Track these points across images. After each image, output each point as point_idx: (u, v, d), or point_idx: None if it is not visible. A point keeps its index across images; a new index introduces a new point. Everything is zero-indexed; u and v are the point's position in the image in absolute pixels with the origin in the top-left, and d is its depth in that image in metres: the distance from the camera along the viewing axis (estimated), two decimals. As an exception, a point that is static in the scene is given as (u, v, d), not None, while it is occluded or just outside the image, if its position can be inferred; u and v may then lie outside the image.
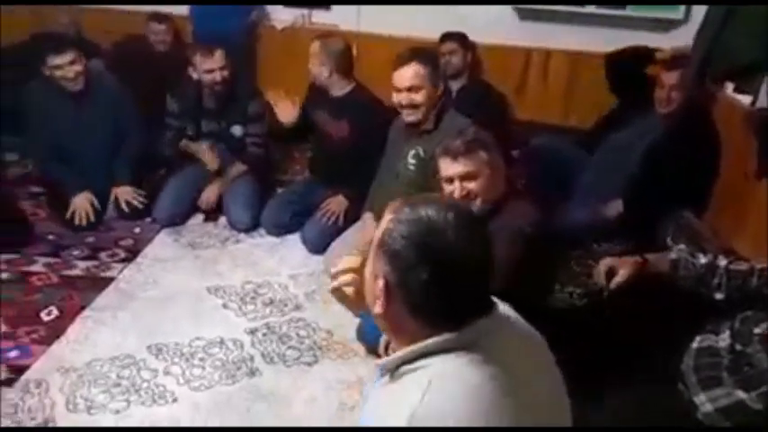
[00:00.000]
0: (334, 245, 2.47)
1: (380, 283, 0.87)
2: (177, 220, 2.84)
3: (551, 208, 2.43)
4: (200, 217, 2.93)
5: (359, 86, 2.69)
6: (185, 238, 2.77)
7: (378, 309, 0.89)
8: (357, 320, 2.10)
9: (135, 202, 2.83)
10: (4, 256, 2.53)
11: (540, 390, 0.92)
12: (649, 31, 3.15)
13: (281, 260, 2.63)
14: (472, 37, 3.21)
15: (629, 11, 3.19)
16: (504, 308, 0.96)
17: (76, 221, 2.70)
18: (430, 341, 0.86)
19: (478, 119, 2.21)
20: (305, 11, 3.71)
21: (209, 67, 2.74)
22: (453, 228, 0.85)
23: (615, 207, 2.51)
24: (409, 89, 2.13)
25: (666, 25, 3.18)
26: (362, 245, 2.33)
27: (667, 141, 2.46)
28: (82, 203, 2.72)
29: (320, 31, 3.24)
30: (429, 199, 0.92)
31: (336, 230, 2.59)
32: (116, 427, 1.76)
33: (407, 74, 2.12)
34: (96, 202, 2.77)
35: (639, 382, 1.55)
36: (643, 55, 2.69)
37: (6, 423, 1.72)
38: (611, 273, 1.52)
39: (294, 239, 2.76)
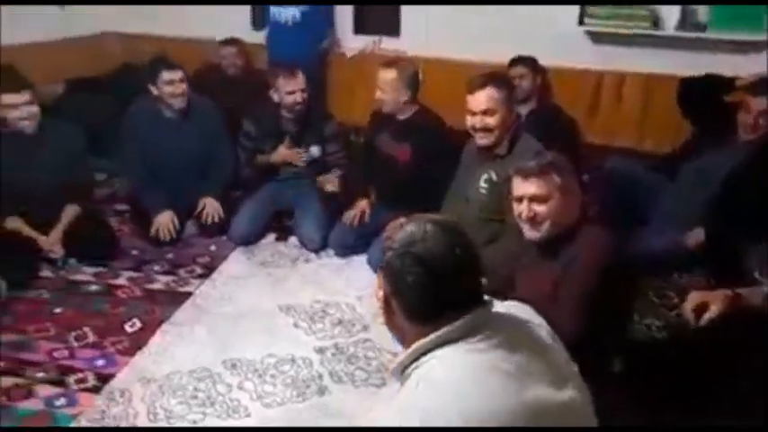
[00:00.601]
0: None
1: (380, 294, 1.03)
2: (251, 239, 2.95)
3: (626, 236, 2.36)
4: (271, 236, 3.03)
5: (423, 109, 2.73)
6: (257, 257, 2.87)
7: (383, 320, 1.05)
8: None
9: (217, 218, 2.95)
10: (93, 270, 2.71)
11: (543, 376, 0.99)
12: (729, 54, 3.04)
13: (347, 281, 2.67)
14: (543, 61, 3.18)
15: (711, 33, 3.08)
16: (508, 305, 1.14)
17: (161, 237, 2.86)
18: (426, 339, 0.98)
19: (548, 143, 2.19)
20: (375, 38, 3.81)
21: (291, 89, 2.86)
22: (432, 236, 1.00)
23: (696, 236, 2.40)
24: (484, 112, 2.14)
25: (747, 48, 3.05)
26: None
27: (752, 168, 2.33)
28: (165, 221, 2.88)
29: (387, 58, 3.34)
30: (415, 217, 1.08)
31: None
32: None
33: (482, 97, 2.14)
34: (177, 221, 2.92)
35: (724, 414, 1.48)
36: (720, 83, 2.58)
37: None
38: (700, 308, 1.45)
39: (360, 260, 2.80)
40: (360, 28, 3.88)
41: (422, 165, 2.65)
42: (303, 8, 3.48)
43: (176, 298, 2.51)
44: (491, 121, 2.13)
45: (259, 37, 3.81)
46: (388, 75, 2.56)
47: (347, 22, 3.91)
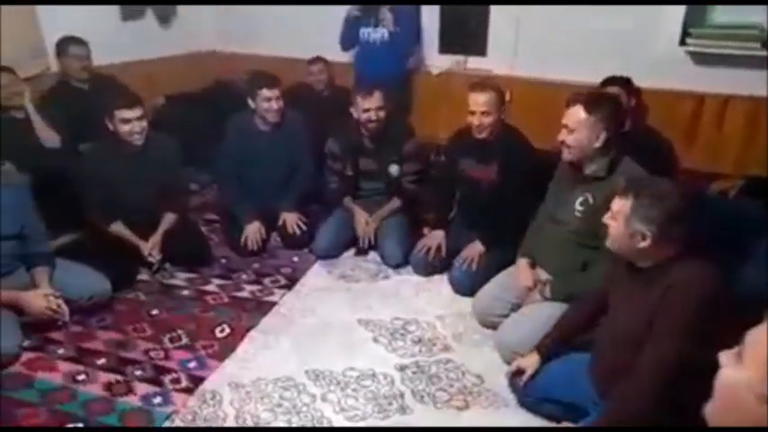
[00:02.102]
0: (484, 291, 2.44)
1: None
2: (332, 253, 3.01)
3: (727, 269, 2.21)
4: (351, 251, 3.08)
5: (509, 129, 2.69)
6: (338, 270, 2.92)
7: None
8: (507, 368, 2.06)
9: (298, 231, 3.04)
10: (186, 275, 2.85)
11: None
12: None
13: (428, 299, 2.66)
14: (639, 82, 3.07)
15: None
16: None
17: (249, 247, 2.97)
18: None
19: (641, 167, 2.10)
20: (461, 57, 3.82)
21: (367, 107, 2.91)
22: None
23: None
24: (566, 127, 2.08)
25: None
26: (515, 291, 2.30)
27: None
28: (253, 231, 2.99)
29: (476, 77, 3.33)
30: None
31: (484, 273, 2.57)
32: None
33: (569, 113, 2.08)
34: (264, 232, 3.03)
35: None
36: None
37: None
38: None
39: (440, 279, 2.79)
40: (445, 47, 3.90)
41: (508, 185, 2.62)
42: (392, 28, 3.54)
43: (262, 307, 2.59)
44: (569, 138, 2.07)
45: (347, 56, 3.91)
46: (480, 98, 2.53)
47: (433, 41, 3.94)
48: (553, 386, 1.83)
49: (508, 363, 2.09)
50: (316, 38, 3.94)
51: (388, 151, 3.04)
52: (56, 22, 3.36)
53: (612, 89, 3.03)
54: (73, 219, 2.88)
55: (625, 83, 3.06)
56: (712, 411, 0.78)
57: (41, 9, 3.35)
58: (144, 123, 2.74)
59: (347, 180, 3.13)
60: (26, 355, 2.22)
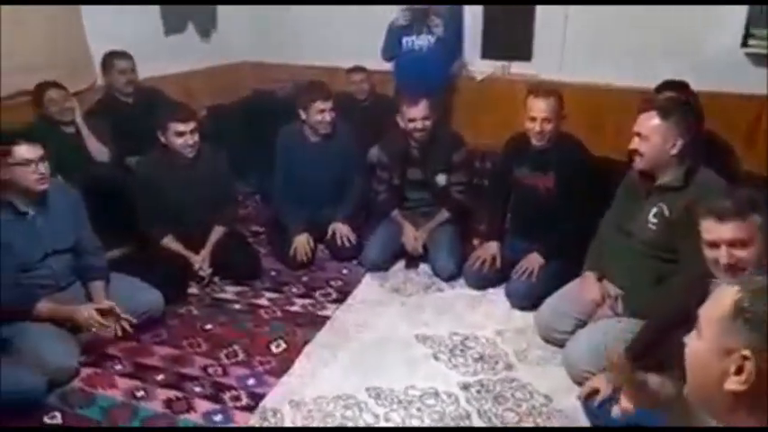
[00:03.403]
0: (547, 305, 2.35)
1: (740, 355, 0.82)
2: (382, 265, 2.96)
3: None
4: (401, 263, 3.02)
5: (565, 136, 2.61)
6: (389, 283, 2.86)
7: (736, 385, 0.82)
8: (577, 388, 1.98)
9: (347, 243, 3.00)
10: (235, 289, 2.82)
11: None
12: None
13: (485, 314, 2.58)
14: (697, 85, 2.96)
15: None
16: None
17: (298, 258, 2.94)
18: None
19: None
20: (505, 62, 3.76)
21: (413, 116, 2.86)
22: None
23: None
24: (639, 135, 2.00)
25: None
26: (581, 306, 2.21)
27: None
28: (303, 242, 2.96)
29: (521, 82, 3.27)
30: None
31: (543, 286, 2.49)
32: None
33: (640, 121, 1.99)
34: (312, 243, 2.99)
35: None
36: None
37: (250, 448, 1.86)
38: None
39: (497, 293, 2.71)
40: (488, 52, 3.84)
41: (566, 194, 2.54)
42: (437, 35, 3.49)
43: (315, 321, 2.54)
44: (642, 146, 1.98)
45: (386, 64, 3.87)
46: (542, 104, 2.45)
47: (476, 45, 3.88)
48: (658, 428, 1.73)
49: (578, 382, 2.01)
50: (353, 47, 3.91)
51: (436, 160, 2.98)
52: (102, 37, 3.39)
53: (668, 94, 2.94)
54: (123, 232, 2.88)
55: (681, 87, 2.95)
56: (689, 389, 0.92)
57: (89, 24, 3.39)
58: (196, 137, 2.73)
59: (394, 190, 3.09)
60: (84, 372, 2.20)
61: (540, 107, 2.44)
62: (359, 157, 3.21)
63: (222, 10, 4.37)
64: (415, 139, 2.93)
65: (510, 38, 3.82)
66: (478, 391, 2.09)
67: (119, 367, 2.25)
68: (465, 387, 2.11)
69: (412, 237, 2.96)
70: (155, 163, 2.82)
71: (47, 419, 1.96)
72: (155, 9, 3.86)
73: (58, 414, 1.99)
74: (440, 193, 3.01)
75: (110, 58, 3.35)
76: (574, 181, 2.52)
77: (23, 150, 2.09)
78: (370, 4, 3.85)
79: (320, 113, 2.97)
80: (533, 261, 2.57)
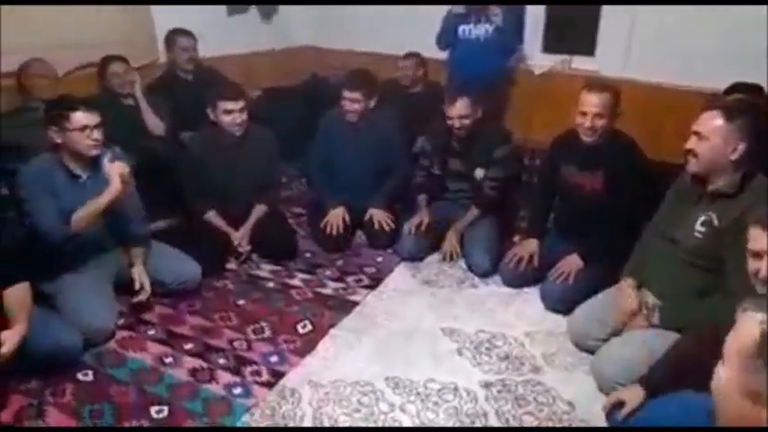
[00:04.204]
0: (581, 310, 2.25)
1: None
2: (418, 256, 2.93)
3: None
4: (436, 255, 2.97)
5: (617, 134, 2.47)
6: (422, 274, 2.83)
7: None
8: (603, 398, 1.88)
9: (386, 228, 3.00)
10: (271, 267, 2.87)
11: None
12: None
13: (516, 313, 2.50)
14: None
15: None
16: None
17: (327, 231, 2.97)
18: None
19: None
20: (566, 56, 3.61)
21: (450, 114, 2.81)
22: None
23: None
24: (698, 134, 1.85)
25: None
26: (617, 315, 2.10)
27: None
28: (336, 216, 3.00)
29: (581, 78, 3.12)
30: None
31: (580, 290, 2.38)
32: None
33: (701, 119, 1.85)
34: (348, 219, 3.02)
35: None
36: None
37: (264, 424, 1.88)
38: None
39: (531, 293, 2.62)
40: (550, 45, 3.70)
41: (614, 196, 2.41)
42: (496, 24, 3.39)
43: (344, 305, 2.55)
44: (699, 146, 1.84)
45: (443, 53, 3.80)
46: (595, 98, 2.32)
47: (537, 38, 3.75)
48: (660, 429, 1.64)
49: (605, 393, 1.91)
50: (411, 34, 3.87)
51: (478, 154, 2.90)
52: (167, 16, 3.51)
53: (738, 97, 2.73)
54: (171, 204, 2.99)
55: (754, 91, 2.73)
56: (719, 418, 0.89)
57: (155, 3, 3.51)
58: (245, 115, 2.79)
59: (434, 179, 3.05)
60: (120, 334, 2.31)
61: (592, 101, 2.32)
62: (402, 145, 3.17)
63: (285, -7, 4.43)
64: (455, 135, 2.87)
65: (573, 31, 3.66)
66: (499, 391, 2.03)
67: (152, 332, 2.34)
68: (486, 385, 2.06)
69: (448, 242, 2.92)
70: (204, 140, 2.90)
71: (80, 376, 2.06)
72: (219, -10, 3.96)
73: (90, 372, 2.09)
74: (477, 187, 2.94)
75: (172, 36, 3.47)
76: (623, 182, 2.39)
77: (80, 116, 2.19)
78: (428, 4, 3.79)
79: (348, 102, 2.97)
80: (572, 264, 2.47)
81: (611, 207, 2.42)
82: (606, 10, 3.46)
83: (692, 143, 1.86)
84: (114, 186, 2.23)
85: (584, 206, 2.53)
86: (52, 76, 2.86)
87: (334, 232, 2.98)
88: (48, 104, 2.32)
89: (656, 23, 3.27)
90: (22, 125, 2.61)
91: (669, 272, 1.97)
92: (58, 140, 2.21)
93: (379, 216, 3.04)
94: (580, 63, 3.63)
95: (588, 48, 3.57)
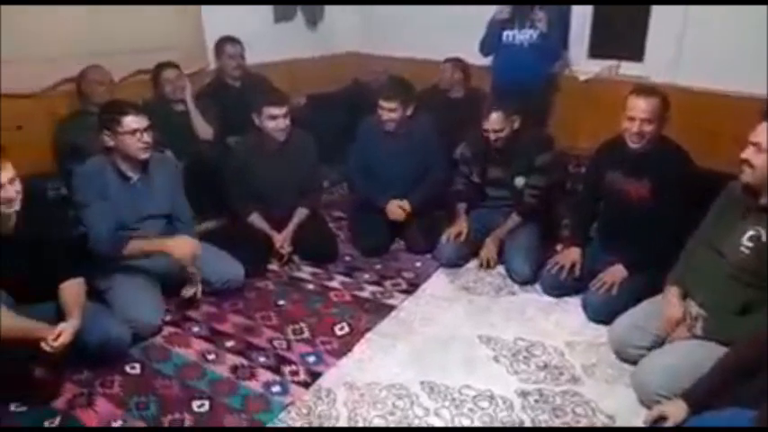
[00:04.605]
0: (622, 319, 2.20)
1: None
2: (456, 262, 2.92)
3: None
4: (475, 261, 2.96)
5: (665, 141, 2.40)
6: (460, 280, 2.82)
7: None
8: (644, 411, 1.83)
9: (398, 218, 3.06)
10: (311, 269, 2.92)
11: None
12: None
13: (557, 323, 2.47)
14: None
15: None
16: None
17: (391, 217, 3.06)
18: None
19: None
20: (613, 62, 3.54)
21: (485, 127, 2.79)
22: None
23: None
24: (755, 145, 1.78)
25: None
26: (660, 323, 2.04)
27: None
28: (396, 203, 3.06)
29: (629, 84, 3.05)
30: None
31: (623, 300, 2.32)
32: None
33: (762, 130, 1.78)
34: (406, 206, 3.07)
35: None
36: None
37: (300, 422, 1.92)
38: None
39: (573, 302, 2.58)
40: (596, 51, 3.63)
41: (661, 204, 2.35)
42: (540, 30, 3.35)
43: (381, 309, 2.57)
44: (757, 157, 1.76)
45: (486, 59, 3.79)
46: (643, 103, 2.26)
47: (583, 44, 3.69)
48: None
49: (647, 405, 1.86)
50: (455, 41, 3.87)
51: (518, 161, 2.87)
52: (217, 24, 3.63)
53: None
54: (217, 207, 3.09)
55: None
56: None
57: (206, 11, 3.64)
58: (288, 121, 2.86)
59: (474, 187, 3.04)
60: (166, 330, 2.40)
61: (640, 106, 2.26)
62: (438, 150, 3.17)
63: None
64: (493, 145, 2.86)
65: (621, 36, 3.58)
66: (536, 401, 2.00)
67: (196, 329, 2.42)
68: (523, 394, 2.04)
69: (486, 249, 2.91)
70: (248, 144, 2.99)
71: (128, 369, 2.16)
72: (267, -3, 4.07)
73: (137, 365, 2.18)
74: (518, 194, 2.91)
75: (221, 44, 3.58)
76: (670, 190, 2.32)
77: (130, 120, 2.29)
78: (474, 4, 3.79)
79: (382, 111, 3.00)
80: (616, 274, 2.41)
81: (657, 215, 2.35)
82: (656, 14, 3.37)
83: (748, 153, 1.79)
84: (179, 257, 2.37)
85: (628, 214, 2.47)
86: (108, 82, 3.00)
87: (401, 218, 3.04)
88: (101, 109, 2.44)
89: (707, 27, 3.16)
90: (81, 128, 2.75)
91: (714, 283, 1.90)
92: (111, 144, 2.32)
93: (394, 205, 3.06)
94: (628, 69, 3.55)
95: (636, 53, 3.48)
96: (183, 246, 2.38)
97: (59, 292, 2.05)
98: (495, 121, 2.75)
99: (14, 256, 1.93)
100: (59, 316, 2.02)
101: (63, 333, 1.92)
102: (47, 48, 2.92)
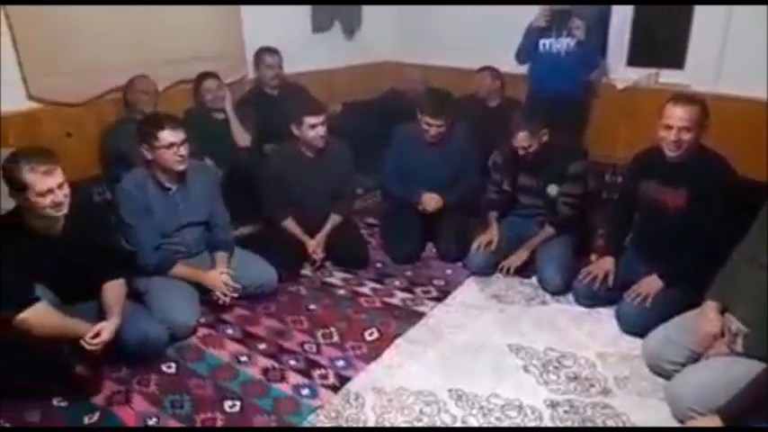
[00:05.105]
0: (657, 332, 2.15)
1: None
2: (487, 270, 2.91)
3: None
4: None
5: (704, 150, 2.34)
6: (491, 289, 2.81)
7: None
8: (677, 425, 1.79)
9: (431, 209, 3.09)
10: (343, 275, 2.96)
11: None
12: None
13: (589, 333, 2.43)
14: None
15: None
16: None
17: (428, 208, 3.10)
18: None
19: None
20: (652, 70, 3.47)
21: (513, 143, 2.77)
22: None
23: None
24: None
25: None
26: (697, 338, 1.98)
27: None
28: (428, 196, 3.10)
29: (669, 93, 2.99)
30: None
31: (659, 312, 2.27)
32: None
33: None
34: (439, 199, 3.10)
35: None
36: None
37: (329, 424, 1.95)
38: None
39: (606, 313, 2.53)
40: (635, 59, 3.57)
41: (699, 214, 2.29)
42: (578, 38, 3.32)
43: (411, 316, 2.58)
44: None
45: (522, 68, 3.77)
46: (681, 111, 2.22)
47: (622, 52, 3.63)
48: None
49: (680, 421, 1.81)
50: (490, 49, 3.87)
51: (551, 170, 2.84)
52: (257, 34, 3.73)
53: None
54: (254, 212, 3.16)
55: None
56: None
57: (246, 22, 3.75)
58: (325, 129, 2.91)
59: (505, 194, 3.02)
60: (201, 331, 2.47)
61: (677, 114, 2.22)
62: (473, 157, 3.17)
63: (367, 10, 4.57)
64: (524, 157, 2.84)
65: (661, 43, 3.51)
66: (566, 412, 1.98)
67: (230, 331, 2.48)
68: (552, 405, 2.01)
69: (515, 256, 2.89)
70: (285, 152, 3.05)
71: (164, 368, 2.23)
72: (305, 8, 4.16)
73: (173, 365, 2.25)
74: (551, 203, 2.87)
75: (260, 54, 3.68)
76: (709, 200, 2.26)
77: (166, 134, 2.37)
78: (512, 4, 3.78)
79: (425, 124, 3.01)
80: (651, 285, 2.36)
81: (694, 226, 2.29)
82: (697, 21, 3.30)
83: None
84: (212, 288, 2.53)
85: (664, 224, 2.42)
86: (153, 92, 3.12)
87: (432, 209, 3.08)
88: (139, 122, 2.55)
89: (750, 34, 3.07)
90: (126, 136, 2.87)
91: (757, 299, 1.84)
92: (149, 156, 2.41)
93: (428, 196, 3.08)
94: (668, 77, 3.48)
95: (677, 61, 3.41)
96: (216, 279, 2.53)
97: (102, 292, 2.14)
98: (522, 139, 2.74)
99: (61, 257, 2.03)
100: (100, 315, 2.11)
101: (102, 331, 2.01)
102: (95, 59, 3.06)
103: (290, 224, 3.02)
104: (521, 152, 2.78)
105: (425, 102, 3.11)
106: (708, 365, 1.87)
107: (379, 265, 3.07)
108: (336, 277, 2.95)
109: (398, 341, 2.39)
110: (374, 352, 2.32)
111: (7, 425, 1.94)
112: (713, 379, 1.78)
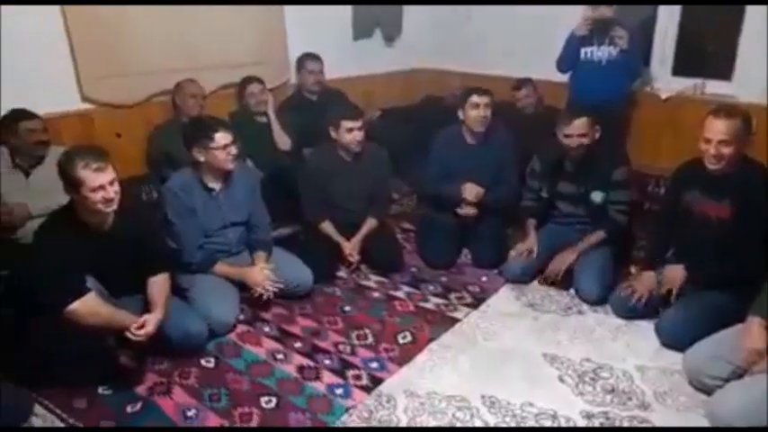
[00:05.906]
0: (698, 347, 2.10)
1: None
2: (524, 278, 2.89)
3: None
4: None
5: (748, 161, 2.28)
6: (526, 297, 2.79)
7: None
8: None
9: (474, 199, 3.09)
10: (378, 278, 2.99)
11: None
12: None
13: (627, 346, 2.38)
14: None
15: None
16: None
17: (469, 197, 3.09)
18: None
19: None
20: (698, 81, 3.40)
21: (568, 132, 2.74)
22: None
23: None
24: None
25: None
26: (741, 354, 1.93)
27: None
28: (472, 187, 3.09)
29: (713, 104, 2.92)
30: None
31: (701, 326, 2.21)
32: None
33: None
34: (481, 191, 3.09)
35: None
36: None
37: (361, 425, 1.97)
38: None
39: (645, 326, 2.48)
40: (681, 69, 3.50)
41: (743, 227, 2.23)
42: (620, 47, 3.29)
43: (445, 321, 2.58)
44: None
45: (560, 75, 3.74)
46: (720, 124, 2.18)
47: (666, 62, 3.56)
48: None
49: (721, 438, 1.76)
50: (528, 57, 3.85)
51: (593, 177, 2.81)
52: (299, 40, 3.81)
53: None
54: (292, 214, 3.22)
55: None
56: None
57: (291, 29, 3.83)
58: (362, 134, 2.95)
59: (543, 202, 3.00)
60: (240, 328, 2.53)
61: (717, 128, 2.18)
62: (514, 165, 3.16)
63: (407, 18, 4.61)
64: (570, 156, 2.81)
65: (708, 53, 3.44)
66: (601, 424, 1.95)
67: (267, 330, 2.54)
68: (588, 416, 1.99)
69: (557, 262, 2.85)
70: (323, 155, 3.10)
71: (204, 362, 2.30)
72: (347, 15, 4.22)
73: (212, 360, 2.32)
74: (595, 210, 2.84)
75: (303, 60, 3.76)
76: (754, 212, 2.21)
77: (221, 136, 2.47)
78: (552, 4, 3.76)
79: (475, 108, 3.02)
80: (675, 277, 2.37)
81: (737, 238, 2.24)
82: (746, 31, 3.21)
83: None
84: (253, 284, 2.57)
85: (707, 235, 2.36)
86: (200, 95, 3.22)
87: (474, 198, 3.08)
88: (187, 126, 2.63)
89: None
90: (173, 137, 2.97)
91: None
92: (201, 159, 2.50)
93: (471, 186, 3.08)
94: (715, 87, 3.39)
95: (725, 71, 3.33)
96: (257, 275, 2.58)
97: (147, 286, 2.23)
98: (579, 126, 2.71)
99: (110, 251, 2.12)
100: (146, 308, 2.19)
101: (147, 324, 2.09)
102: (145, 62, 3.19)
103: (327, 226, 3.06)
104: (575, 143, 2.73)
105: (468, 89, 3.11)
106: (750, 383, 1.82)
107: (414, 269, 3.09)
108: (371, 280, 2.98)
109: (432, 345, 2.40)
110: (407, 355, 2.33)
111: (57, 410, 2.03)
112: (755, 397, 1.73)
